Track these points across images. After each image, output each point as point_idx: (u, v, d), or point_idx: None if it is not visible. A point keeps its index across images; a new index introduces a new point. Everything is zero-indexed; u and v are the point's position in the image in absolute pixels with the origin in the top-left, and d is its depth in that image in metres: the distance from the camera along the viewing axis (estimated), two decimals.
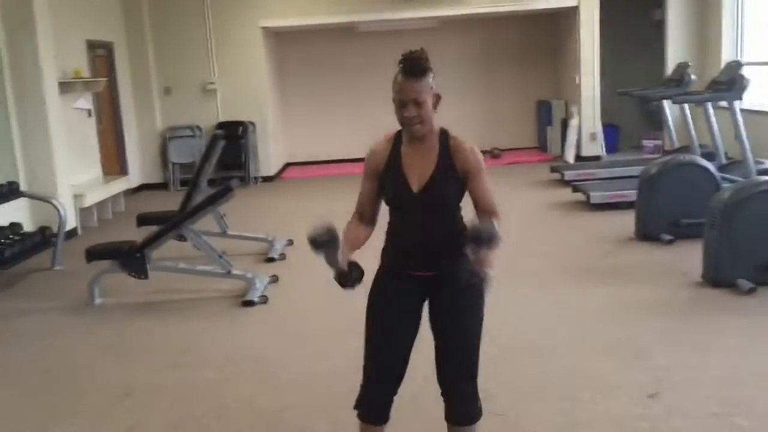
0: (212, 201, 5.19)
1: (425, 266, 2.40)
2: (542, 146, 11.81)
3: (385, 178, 2.37)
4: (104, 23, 9.41)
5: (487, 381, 3.50)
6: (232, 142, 9.80)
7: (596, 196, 7.27)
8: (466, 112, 11.93)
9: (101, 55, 9.33)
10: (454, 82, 11.90)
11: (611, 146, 10.99)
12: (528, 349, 3.95)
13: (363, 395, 2.46)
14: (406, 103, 2.28)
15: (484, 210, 2.38)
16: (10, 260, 5.63)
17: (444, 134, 2.39)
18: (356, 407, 2.46)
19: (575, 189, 7.75)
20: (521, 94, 11.98)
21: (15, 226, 6.14)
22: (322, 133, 11.56)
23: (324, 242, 2.18)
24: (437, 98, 2.34)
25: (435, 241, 2.37)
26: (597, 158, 10.53)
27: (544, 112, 11.62)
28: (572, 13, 10.51)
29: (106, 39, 9.40)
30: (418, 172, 2.33)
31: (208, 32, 10.24)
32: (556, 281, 5.15)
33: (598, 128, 10.65)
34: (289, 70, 11.46)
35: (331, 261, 2.23)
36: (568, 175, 8.64)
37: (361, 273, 2.31)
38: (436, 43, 11.69)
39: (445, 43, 11.75)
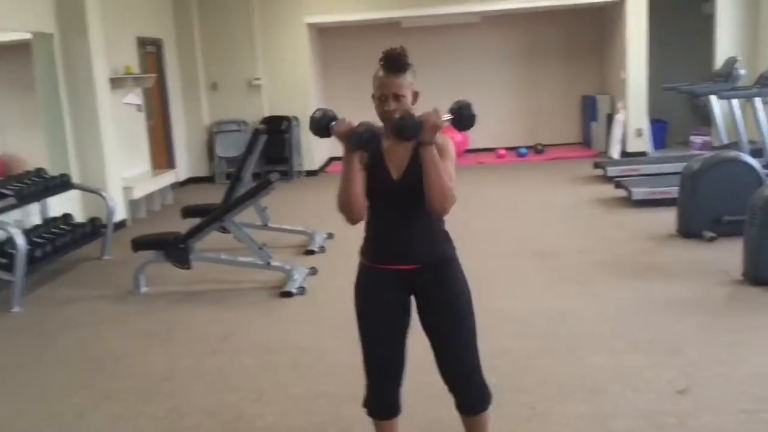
0: (253, 194, 5.32)
1: (404, 257, 2.42)
2: (587, 142, 11.69)
3: (367, 170, 2.39)
4: (154, 21, 9.66)
5: (520, 374, 3.61)
6: (276, 136, 10.00)
7: (638, 193, 7.20)
8: (508, 108, 11.93)
9: (151, 51, 9.59)
10: (497, 77, 11.90)
11: (658, 142, 10.82)
12: (561, 343, 3.97)
13: (368, 394, 2.54)
14: (386, 98, 2.36)
15: None
16: (62, 249, 5.86)
17: None
18: (365, 406, 2.54)
19: (617, 185, 7.69)
20: (565, 89, 11.88)
21: (67, 217, 6.38)
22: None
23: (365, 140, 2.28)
24: (416, 95, 2.42)
25: (413, 230, 2.41)
26: (643, 154, 10.39)
27: (588, 108, 11.50)
28: (618, 6, 10.38)
29: (155, 36, 9.65)
30: (397, 161, 2.39)
31: (254, 29, 10.42)
32: (593, 277, 5.14)
33: (645, 124, 10.50)
34: (333, 66, 11.58)
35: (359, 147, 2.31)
36: (611, 171, 8.55)
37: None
38: (479, 38, 11.74)
39: (488, 38, 11.77)
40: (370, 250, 2.50)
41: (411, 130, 2.29)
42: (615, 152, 10.51)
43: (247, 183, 6.38)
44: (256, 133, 6.49)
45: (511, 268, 5.50)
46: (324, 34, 11.50)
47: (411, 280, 2.44)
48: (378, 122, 2.44)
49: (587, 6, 10.80)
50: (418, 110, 2.38)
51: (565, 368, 3.66)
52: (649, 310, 4.40)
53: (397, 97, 2.36)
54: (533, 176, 9.65)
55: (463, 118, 2.38)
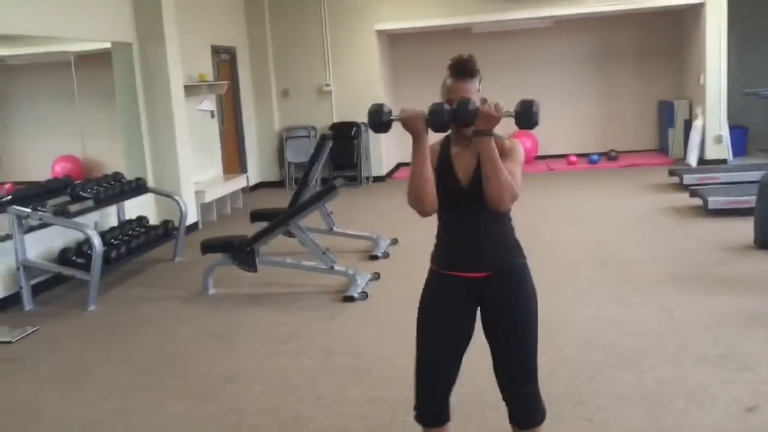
0: (317, 199, 5.40)
1: (474, 265, 2.42)
2: (663, 149, 11.36)
3: (436, 176, 2.40)
4: (228, 29, 9.92)
5: (580, 385, 3.53)
6: (345, 142, 10.12)
7: (714, 201, 6.95)
8: (581, 114, 11.73)
9: (225, 59, 9.85)
10: (569, 82, 11.71)
11: (738, 149, 10.42)
12: (626, 355, 3.87)
13: (418, 401, 2.51)
14: (454, 102, 2.36)
15: None
16: (136, 250, 6.07)
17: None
18: (414, 411, 2.52)
19: (693, 194, 7.44)
20: (641, 94, 11.58)
21: (141, 219, 6.61)
22: (435, 134, 11.63)
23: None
24: (483, 101, 2.42)
25: (483, 237, 2.41)
26: (722, 162, 10.04)
27: (666, 114, 11.17)
28: (697, 9, 10.07)
29: (229, 44, 9.91)
30: (466, 168, 2.40)
31: (324, 37, 10.58)
32: (663, 288, 4.98)
33: (724, 130, 10.13)
34: (403, 72, 11.63)
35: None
36: (687, 179, 8.29)
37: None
38: (552, 43, 11.58)
39: (561, 43, 11.59)
40: (440, 256, 2.51)
41: (464, 115, 2.31)
42: (693, 159, 10.18)
43: (314, 188, 6.47)
44: (323, 138, 6.58)
45: (579, 276, 5.40)
46: (394, 40, 11.57)
47: (480, 289, 2.43)
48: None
49: (664, 9, 10.50)
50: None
51: (627, 381, 3.56)
52: (719, 324, 4.24)
53: None
54: (604, 183, 9.44)
55: (524, 114, 2.35)
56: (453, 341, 2.47)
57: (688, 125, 10.61)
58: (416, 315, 2.52)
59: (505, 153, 2.36)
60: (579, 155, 11.28)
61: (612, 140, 11.52)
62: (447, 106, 2.35)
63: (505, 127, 2.40)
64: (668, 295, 4.84)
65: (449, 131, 2.48)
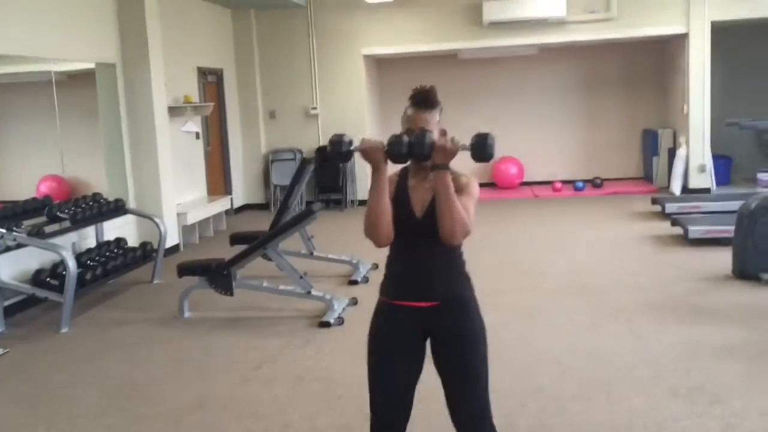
0: (294, 223, 5.37)
1: (422, 294, 2.41)
2: (648, 177, 11.41)
3: (392, 206, 2.40)
4: (215, 51, 9.94)
5: (551, 417, 3.51)
6: (331, 165, 10.12)
7: (694, 231, 6.96)
8: (566, 141, 11.79)
9: (212, 81, 9.86)
10: (555, 109, 11.78)
11: (722, 178, 10.46)
12: (598, 386, 3.84)
13: (372, 431, 2.50)
14: (414, 133, 2.37)
15: None
16: (112, 272, 6.01)
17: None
18: None
19: (674, 222, 7.45)
20: (626, 122, 11.66)
21: (120, 241, 6.56)
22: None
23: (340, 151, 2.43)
24: (443, 132, 2.44)
25: (433, 268, 2.41)
26: (706, 191, 10.08)
27: (650, 142, 11.23)
28: (681, 39, 10.15)
29: (216, 66, 9.93)
30: (421, 199, 2.41)
31: (312, 60, 10.61)
32: (639, 318, 4.97)
33: (708, 159, 10.19)
34: (390, 95, 11.66)
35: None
36: (669, 207, 8.31)
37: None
38: (538, 70, 11.66)
39: (546, 71, 11.68)
40: (389, 286, 2.50)
41: (421, 148, 2.32)
42: (676, 188, 10.22)
43: (294, 211, 6.44)
44: (304, 162, 6.58)
45: (557, 305, 5.37)
46: (381, 64, 11.63)
47: (427, 319, 2.42)
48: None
49: (648, 39, 10.60)
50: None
51: (599, 412, 3.53)
52: (694, 355, 4.22)
53: None
54: (588, 211, 9.45)
55: (478, 147, 2.36)
56: (402, 373, 2.46)
57: (672, 154, 10.67)
58: (366, 347, 2.50)
59: (460, 188, 2.38)
60: (564, 182, 11.32)
61: (597, 167, 11.57)
62: (406, 138, 2.36)
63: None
64: (644, 324, 4.82)
65: (408, 162, 2.47)
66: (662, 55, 11.32)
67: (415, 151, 2.34)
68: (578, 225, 8.53)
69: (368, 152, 2.34)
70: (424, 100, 2.43)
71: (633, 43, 10.92)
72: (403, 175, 2.50)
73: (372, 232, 2.36)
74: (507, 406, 3.63)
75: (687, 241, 7.03)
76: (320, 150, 10.32)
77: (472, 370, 2.41)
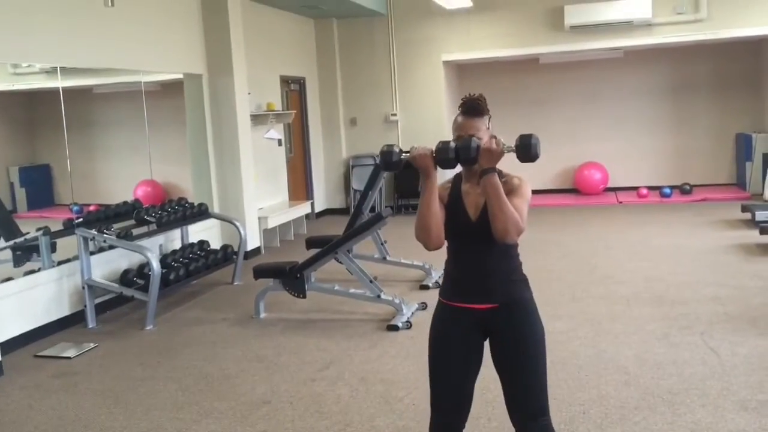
0: (364, 228, 5.49)
1: (481, 296, 2.46)
2: (741, 183, 10.95)
3: (447, 210, 2.51)
4: (298, 60, 10.24)
5: (611, 426, 3.47)
6: (409, 171, 10.19)
7: None
8: (653, 146, 11.48)
9: (294, 89, 10.15)
10: (641, 113, 11.49)
11: None
12: (663, 396, 3.76)
13: (432, 429, 2.56)
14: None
15: None
16: (195, 274, 6.30)
17: (498, 172, 2.47)
18: None
19: (763, 231, 7.14)
20: (717, 126, 11.23)
21: (203, 243, 6.87)
22: (503, 164, 11.62)
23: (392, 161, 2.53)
24: (492, 138, 2.48)
25: (490, 269, 2.46)
26: None
27: (743, 147, 10.78)
28: None
29: (298, 74, 10.22)
30: (475, 204, 2.48)
31: (392, 67, 10.76)
32: (715, 329, 4.81)
33: None
34: None
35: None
36: (759, 215, 7.95)
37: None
38: (622, 73, 11.41)
39: (631, 74, 11.41)
40: (447, 289, 2.57)
41: (466, 152, 2.40)
42: None
43: (368, 216, 6.56)
44: (377, 168, 6.69)
45: (630, 314, 5.27)
46: (462, 70, 11.65)
47: (486, 320, 2.48)
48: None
49: (740, 40, 10.19)
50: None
51: (660, 422, 3.46)
52: (767, 368, 4.07)
53: None
54: (675, 218, 9.17)
55: (523, 148, 2.41)
56: (460, 372, 2.52)
57: (767, 159, 10.21)
58: (426, 347, 2.57)
59: (512, 190, 2.44)
60: (651, 188, 11.01)
61: (686, 173, 11.20)
62: (453, 144, 2.43)
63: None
64: (720, 335, 4.67)
65: (462, 169, 2.54)
66: (755, 57, 10.86)
67: (462, 155, 2.42)
68: (661, 232, 8.30)
69: (417, 159, 2.43)
70: (473, 107, 2.51)
71: (724, 44, 10.53)
72: (457, 181, 2.58)
73: (422, 235, 2.45)
74: (569, 412, 3.62)
75: None
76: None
77: (530, 371, 2.45)
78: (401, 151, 2.55)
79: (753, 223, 7.97)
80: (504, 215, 2.32)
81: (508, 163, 2.47)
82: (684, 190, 10.85)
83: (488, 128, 2.51)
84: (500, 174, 2.49)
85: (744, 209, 8.52)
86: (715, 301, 5.44)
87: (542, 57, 10.91)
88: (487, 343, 2.53)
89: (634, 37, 9.96)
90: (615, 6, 9.60)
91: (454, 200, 2.52)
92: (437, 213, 2.43)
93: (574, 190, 11.55)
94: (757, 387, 3.81)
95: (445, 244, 2.53)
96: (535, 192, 11.19)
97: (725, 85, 11.12)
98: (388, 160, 2.54)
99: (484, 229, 2.41)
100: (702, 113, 11.28)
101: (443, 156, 2.43)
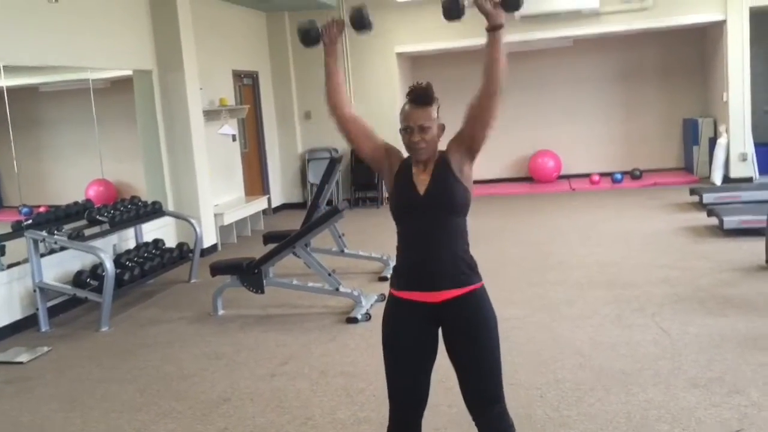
0: (321, 222, 5.49)
1: (431, 282, 2.45)
2: (689, 167, 11.23)
3: (395, 183, 2.52)
4: (250, 54, 10.14)
5: (568, 408, 3.54)
6: (365, 164, 10.22)
7: (730, 221, 6.86)
8: (604, 132, 11.69)
9: (247, 84, 10.06)
10: (591, 101, 11.69)
11: (765, 167, 10.24)
12: (617, 377, 3.86)
13: (390, 424, 2.59)
14: (412, 129, 2.46)
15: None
16: (150, 273, 6.22)
17: (440, 152, 2.54)
18: None
19: (710, 213, 7.35)
20: (665, 112, 11.49)
21: (157, 242, 6.78)
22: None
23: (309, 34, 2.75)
24: (441, 128, 2.52)
25: (441, 247, 2.45)
26: (749, 180, 9.89)
27: (690, 131, 11.05)
28: (719, 26, 9.97)
29: (251, 69, 10.13)
30: (423, 180, 2.49)
31: (345, 59, 10.73)
32: (665, 309, 4.94)
33: (750, 148, 9.99)
34: None
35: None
36: (707, 198, 8.18)
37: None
38: (573, 62, 11.58)
39: (581, 62, 11.60)
40: (398, 278, 2.56)
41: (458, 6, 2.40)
42: (717, 178, 10.06)
43: (322, 210, 6.56)
44: (332, 161, 6.69)
45: (584, 298, 5.38)
46: (415, 61, 11.69)
47: (437, 311, 2.48)
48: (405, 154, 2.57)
49: (685, 28, 10.41)
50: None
51: (615, 403, 3.55)
52: (717, 347, 4.19)
53: (423, 129, 2.47)
54: (625, 203, 9.37)
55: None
56: (415, 364, 2.52)
57: (713, 143, 10.48)
58: (379, 341, 2.58)
59: (459, 132, 2.52)
60: (602, 174, 11.22)
61: (636, 159, 11.43)
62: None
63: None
64: (670, 316, 4.80)
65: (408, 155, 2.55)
66: (700, 44, 11.13)
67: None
68: (613, 217, 8.47)
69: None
70: (420, 96, 2.50)
71: (669, 32, 10.75)
72: (406, 164, 2.57)
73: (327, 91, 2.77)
74: (525, 396, 3.68)
75: (722, 231, 6.94)
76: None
77: (484, 360, 2.46)
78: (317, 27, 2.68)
79: (701, 205, 8.19)
80: (503, 69, 2.39)
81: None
82: (634, 175, 11.08)
83: (436, 117, 2.51)
84: (444, 152, 2.51)
85: (692, 192, 8.75)
86: (665, 283, 5.59)
87: None
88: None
89: (582, 26, 10.12)
90: None
91: (404, 174, 2.52)
92: (337, 70, 2.78)
93: (528, 179, 11.70)
94: (705, 365, 3.93)
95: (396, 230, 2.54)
96: (489, 181, 11.37)
97: (672, 71, 11.37)
98: (311, 33, 2.73)
99: (433, 200, 2.44)
100: (650, 100, 11.53)
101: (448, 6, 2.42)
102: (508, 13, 2.41)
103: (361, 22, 2.66)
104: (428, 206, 2.45)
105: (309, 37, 2.66)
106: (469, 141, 2.49)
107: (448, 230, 2.46)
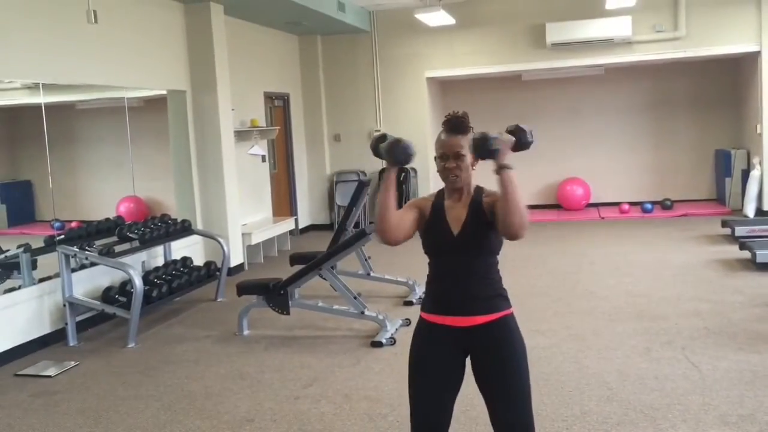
0: (349, 244, 5.50)
1: (462, 310, 2.48)
2: (721, 199, 11.08)
3: (428, 224, 2.54)
4: (282, 77, 10.26)
5: None
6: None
7: (763, 255, 6.74)
8: (634, 161, 11.58)
9: (278, 105, 10.17)
10: (622, 130, 11.61)
11: None
12: (645, 412, 3.79)
13: None
14: (447, 157, 2.51)
15: None
16: (177, 290, 6.27)
17: (479, 189, 2.58)
18: None
19: (742, 246, 7.23)
20: (697, 143, 11.36)
21: (186, 260, 6.83)
22: (487, 179, 11.68)
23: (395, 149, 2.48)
24: (476, 157, 2.51)
25: (472, 282, 2.48)
26: None
27: (723, 163, 10.91)
28: (754, 57, 9.88)
29: (283, 91, 10.24)
30: (457, 219, 2.52)
31: (376, 83, 10.82)
32: (695, 344, 4.86)
33: None
34: None
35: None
36: (739, 230, 8.06)
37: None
38: (603, 91, 11.53)
39: (612, 91, 11.54)
40: (429, 303, 2.59)
41: (487, 148, 2.37)
42: (750, 210, 9.92)
43: (352, 232, 6.57)
44: (360, 184, 6.71)
45: (612, 329, 5.30)
46: (445, 86, 11.73)
47: (467, 339, 2.49)
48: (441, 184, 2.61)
49: (719, 58, 10.34)
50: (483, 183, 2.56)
51: None
52: (749, 383, 4.10)
53: (458, 156, 2.50)
54: (655, 233, 9.25)
55: (518, 132, 2.46)
56: (441, 389, 2.52)
57: (746, 175, 10.34)
58: (407, 364, 2.58)
59: (497, 197, 2.45)
60: (632, 203, 11.11)
61: (667, 189, 11.31)
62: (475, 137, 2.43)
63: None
64: (701, 350, 4.71)
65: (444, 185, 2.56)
66: (734, 74, 11.02)
67: (483, 150, 2.40)
68: (643, 247, 8.37)
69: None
70: (456, 125, 2.54)
71: (703, 61, 10.68)
72: (438, 197, 2.60)
73: (379, 228, 2.47)
74: (551, 429, 3.63)
75: (755, 265, 6.82)
76: (383, 171, 10.43)
77: (514, 389, 2.46)
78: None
79: (733, 238, 8.07)
80: (521, 210, 2.33)
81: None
82: (665, 205, 10.96)
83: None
84: (482, 190, 2.53)
85: (724, 224, 8.61)
86: (696, 316, 5.49)
87: (524, 74, 11.02)
88: (468, 361, 2.54)
89: (614, 54, 10.10)
90: (596, 24, 9.72)
91: (436, 214, 2.55)
92: (395, 203, 2.45)
93: (556, 206, 11.62)
94: (737, 402, 3.85)
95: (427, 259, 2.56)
96: None
97: (704, 101, 11.26)
98: (398, 152, 2.46)
99: (466, 243, 2.47)
100: (682, 129, 11.42)
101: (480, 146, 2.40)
102: (517, 152, 2.45)
103: (405, 154, 2.49)
104: (461, 247, 2.49)
105: (398, 149, 2.47)
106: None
107: (479, 267, 2.51)
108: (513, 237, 2.37)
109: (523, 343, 2.52)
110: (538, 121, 11.59)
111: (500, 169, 2.36)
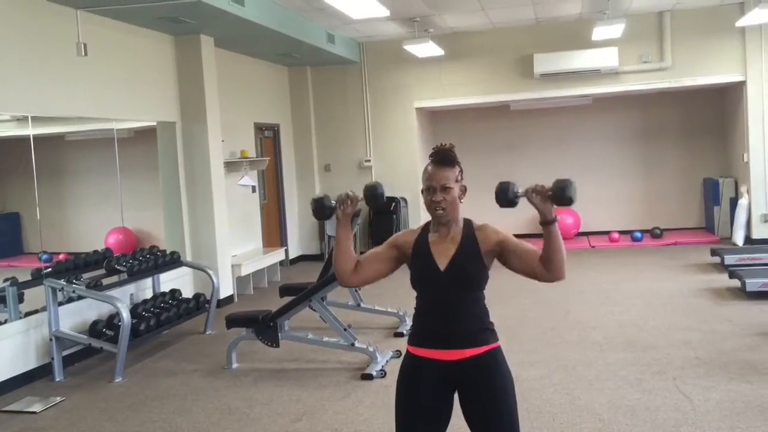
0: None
1: (449, 343, 2.46)
2: (709, 227, 11.13)
3: (413, 259, 2.54)
4: (272, 107, 10.30)
5: None
6: (384, 217, 10.27)
7: (752, 283, 6.75)
8: (623, 191, 11.64)
9: (268, 136, 10.19)
10: (611, 159, 11.68)
11: None
12: None
13: None
14: (434, 189, 2.50)
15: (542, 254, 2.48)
16: (166, 323, 6.21)
17: (468, 222, 2.57)
18: None
19: (732, 275, 7.25)
20: (685, 172, 11.44)
21: (174, 292, 6.78)
22: (475, 209, 11.68)
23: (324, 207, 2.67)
24: (463, 190, 2.56)
25: (459, 317, 2.47)
26: None
27: (711, 192, 10.98)
28: (739, 88, 10.00)
29: (273, 121, 10.27)
30: (444, 253, 2.50)
31: (366, 114, 10.87)
32: (686, 373, 4.84)
33: None
34: None
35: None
36: (728, 259, 8.08)
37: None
38: (592, 120, 11.63)
39: (600, 120, 11.64)
40: (416, 335, 2.57)
41: (507, 198, 2.48)
42: (739, 239, 9.96)
43: None
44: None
45: (603, 359, 5.28)
46: (435, 116, 11.80)
47: (454, 372, 2.47)
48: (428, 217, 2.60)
49: (705, 88, 10.46)
50: (472, 214, 2.60)
51: None
52: (740, 413, 4.08)
53: (445, 189, 2.50)
54: (645, 262, 9.27)
55: (558, 192, 2.44)
56: (429, 424, 2.50)
57: (734, 203, 10.41)
58: (394, 399, 2.55)
59: (504, 239, 2.52)
60: (622, 232, 11.14)
61: (656, 218, 11.36)
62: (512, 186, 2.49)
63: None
64: (692, 381, 4.69)
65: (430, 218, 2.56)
66: (720, 103, 11.15)
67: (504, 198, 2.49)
68: (633, 276, 8.38)
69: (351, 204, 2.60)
70: (444, 158, 2.54)
71: (689, 91, 10.80)
72: (424, 230, 2.59)
73: (337, 267, 2.63)
74: None
75: (744, 294, 6.82)
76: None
77: (503, 423, 2.44)
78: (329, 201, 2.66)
79: (722, 266, 8.09)
80: (563, 259, 2.43)
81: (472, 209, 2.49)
82: (655, 234, 11.00)
83: (459, 180, 2.54)
84: (473, 223, 2.53)
85: (713, 253, 8.64)
86: (686, 346, 5.48)
87: (513, 104, 11.10)
88: (456, 396, 2.52)
89: (602, 84, 10.19)
90: (583, 55, 9.83)
91: (420, 249, 2.54)
92: (350, 248, 2.64)
93: None
94: None
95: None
96: None
97: (692, 131, 11.37)
98: (320, 208, 2.68)
99: (454, 278, 2.46)
100: (670, 158, 11.50)
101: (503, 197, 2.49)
102: (559, 205, 2.45)
103: (374, 199, 2.69)
104: (448, 282, 2.48)
105: (323, 210, 2.67)
106: (504, 263, 2.56)
107: (466, 301, 2.50)
108: (555, 281, 2.49)
109: (511, 376, 2.50)
110: (527, 149, 11.68)
111: (548, 224, 2.40)
